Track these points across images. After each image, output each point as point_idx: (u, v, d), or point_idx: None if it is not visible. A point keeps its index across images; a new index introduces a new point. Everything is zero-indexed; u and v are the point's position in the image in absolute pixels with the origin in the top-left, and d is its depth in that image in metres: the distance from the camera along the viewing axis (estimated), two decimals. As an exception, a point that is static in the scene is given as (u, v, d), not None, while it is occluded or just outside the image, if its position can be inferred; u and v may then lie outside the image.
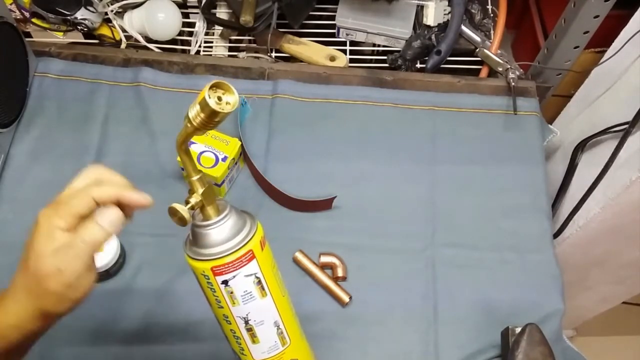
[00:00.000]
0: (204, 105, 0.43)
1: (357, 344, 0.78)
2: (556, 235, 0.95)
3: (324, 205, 0.84)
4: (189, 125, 0.45)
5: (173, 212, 0.47)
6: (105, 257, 0.75)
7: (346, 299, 0.78)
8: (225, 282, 0.49)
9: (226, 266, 0.48)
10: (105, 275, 0.78)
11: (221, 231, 0.48)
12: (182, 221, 0.47)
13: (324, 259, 0.81)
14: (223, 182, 0.82)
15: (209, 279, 0.49)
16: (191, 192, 0.48)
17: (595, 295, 1.17)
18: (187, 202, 0.48)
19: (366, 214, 0.85)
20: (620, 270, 1.04)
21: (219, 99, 0.44)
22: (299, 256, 0.81)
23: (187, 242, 0.50)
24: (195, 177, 0.48)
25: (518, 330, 0.73)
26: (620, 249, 0.97)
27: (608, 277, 1.09)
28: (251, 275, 0.49)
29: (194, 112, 0.44)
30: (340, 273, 0.80)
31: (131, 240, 0.81)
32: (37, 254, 0.45)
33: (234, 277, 0.48)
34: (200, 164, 0.80)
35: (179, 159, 0.80)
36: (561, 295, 0.81)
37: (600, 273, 1.07)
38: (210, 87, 0.44)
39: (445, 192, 0.87)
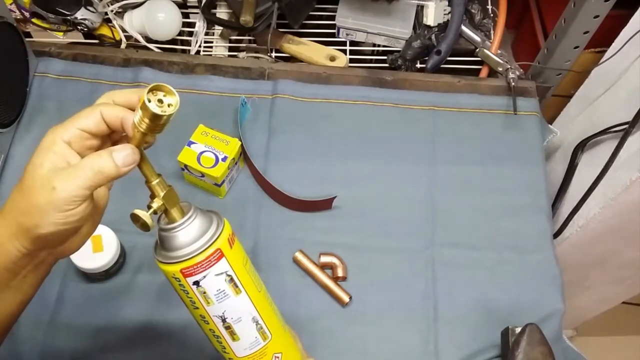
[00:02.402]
0: (144, 109, 0.43)
1: (357, 343, 0.78)
2: (556, 235, 0.95)
3: (324, 205, 0.84)
4: (135, 131, 0.44)
5: (135, 219, 0.46)
6: (105, 257, 0.75)
7: (346, 299, 0.79)
8: (196, 283, 0.48)
9: (195, 267, 0.47)
10: (105, 275, 0.78)
11: (187, 233, 0.48)
12: (144, 227, 0.46)
13: (324, 259, 0.81)
14: (223, 182, 0.82)
15: (180, 281, 0.48)
16: (152, 196, 0.48)
17: (595, 295, 1.17)
18: (148, 207, 0.47)
19: (366, 214, 0.85)
20: (620, 270, 1.04)
21: (160, 101, 0.44)
22: (299, 256, 0.81)
23: (156, 246, 0.50)
24: (154, 182, 0.47)
25: (518, 330, 0.73)
26: (620, 249, 0.97)
27: (608, 277, 1.09)
28: (222, 273, 0.49)
29: (138, 117, 0.43)
30: (340, 273, 0.80)
31: (131, 240, 0.81)
32: (33, 164, 0.43)
33: (205, 277, 0.48)
34: (200, 164, 0.80)
35: (179, 158, 0.81)
36: (561, 295, 0.81)
37: (600, 273, 1.07)
38: (150, 91, 0.43)
39: (445, 192, 0.87)
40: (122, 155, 0.44)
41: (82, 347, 0.75)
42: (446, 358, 0.77)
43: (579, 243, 0.96)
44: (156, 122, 0.43)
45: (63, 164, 0.43)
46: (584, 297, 1.18)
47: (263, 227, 0.83)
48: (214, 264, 0.48)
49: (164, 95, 0.44)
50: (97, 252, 0.75)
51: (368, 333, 0.78)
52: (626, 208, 0.84)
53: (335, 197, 0.83)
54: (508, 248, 0.84)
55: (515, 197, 0.87)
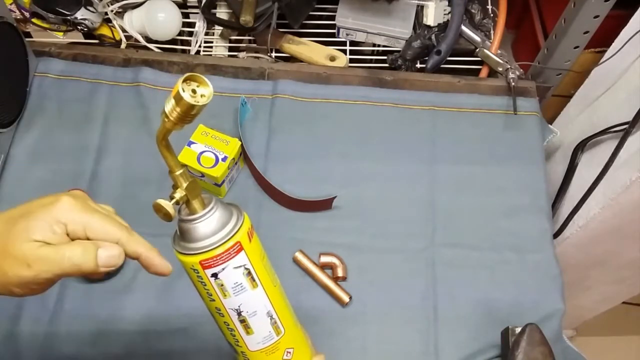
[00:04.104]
0: (178, 99, 0.43)
1: (357, 343, 0.78)
2: (556, 235, 0.95)
3: (324, 205, 0.84)
4: (166, 120, 0.44)
5: (158, 208, 0.47)
6: (105, 257, 0.75)
7: (346, 299, 0.79)
8: (214, 275, 0.49)
9: (215, 259, 0.48)
10: (105, 275, 0.78)
11: (208, 224, 0.48)
12: (167, 217, 0.47)
13: (324, 259, 0.81)
14: (223, 182, 0.82)
15: (198, 272, 0.49)
16: (175, 187, 0.48)
17: (595, 295, 1.17)
18: (171, 198, 0.47)
19: (366, 214, 0.85)
20: (620, 270, 1.04)
21: (194, 91, 0.44)
22: (299, 256, 0.81)
23: (175, 237, 0.50)
24: (178, 172, 0.48)
25: (518, 330, 0.73)
26: (620, 249, 0.97)
27: (608, 277, 1.09)
28: (240, 266, 0.49)
29: (170, 106, 0.44)
30: (340, 273, 0.80)
31: (131, 240, 0.81)
32: (23, 228, 0.41)
33: (223, 269, 0.48)
34: (200, 164, 0.80)
35: (179, 158, 0.81)
36: (561, 295, 0.81)
37: (600, 273, 1.07)
38: (184, 80, 0.43)
39: (445, 192, 0.87)
40: (107, 255, 0.43)
41: (83, 347, 0.75)
42: (446, 358, 0.77)
43: (579, 243, 0.96)
44: (187, 112, 0.44)
45: (52, 241, 0.42)
46: (584, 297, 1.18)
47: (263, 227, 0.83)
48: (233, 257, 0.48)
49: (198, 86, 0.44)
50: (97, 252, 0.75)
51: (368, 333, 0.78)
52: (626, 208, 0.85)
53: (335, 197, 0.83)
54: (508, 248, 0.84)
55: (515, 197, 0.87)
